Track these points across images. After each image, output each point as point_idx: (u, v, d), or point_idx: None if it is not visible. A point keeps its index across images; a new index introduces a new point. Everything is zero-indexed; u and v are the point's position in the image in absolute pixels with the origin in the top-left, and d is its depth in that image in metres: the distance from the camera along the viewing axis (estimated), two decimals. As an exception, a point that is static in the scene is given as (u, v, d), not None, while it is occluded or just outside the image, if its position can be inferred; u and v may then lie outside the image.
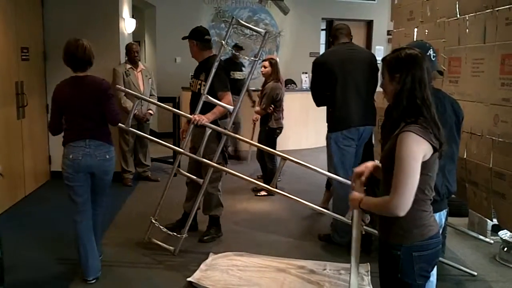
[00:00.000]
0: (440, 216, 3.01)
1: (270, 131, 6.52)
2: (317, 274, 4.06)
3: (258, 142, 6.42)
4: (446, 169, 3.02)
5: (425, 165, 2.15)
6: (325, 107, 4.80)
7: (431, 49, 3.09)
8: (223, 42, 4.37)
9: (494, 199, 3.63)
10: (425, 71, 2.19)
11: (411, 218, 2.21)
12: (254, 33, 5.57)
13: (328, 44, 4.85)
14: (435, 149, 2.16)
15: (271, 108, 6.39)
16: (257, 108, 6.60)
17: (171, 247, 4.47)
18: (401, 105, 2.18)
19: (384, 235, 2.36)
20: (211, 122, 4.44)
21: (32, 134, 6.27)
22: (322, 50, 12.11)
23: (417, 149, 2.10)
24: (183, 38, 4.76)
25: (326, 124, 4.75)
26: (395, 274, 2.28)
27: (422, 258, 2.25)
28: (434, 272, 3.15)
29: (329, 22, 12.03)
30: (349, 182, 4.07)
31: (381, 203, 2.23)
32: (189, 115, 4.46)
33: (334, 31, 4.85)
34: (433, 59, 3.08)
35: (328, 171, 4.56)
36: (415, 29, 5.07)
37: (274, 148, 6.50)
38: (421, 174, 2.14)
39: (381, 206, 2.22)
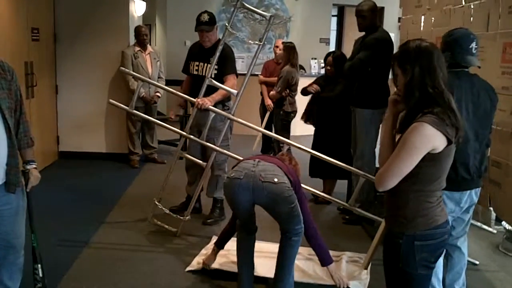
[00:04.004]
0: (471, 194, 3.03)
1: (285, 115, 6.54)
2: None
3: (273, 126, 6.47)
4: (480, 151, 2.99)
5: (437, 157, 2.13)
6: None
7: (474, 41, 2.96)
8: (227, 25, 4.37)
9: (491, 188, 3.63)
10: (435, 59, 2.17)
11: (415, 208, 2.20)
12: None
13: (367, 22, 4.86)
14: (449, 142, 2.11)
15: (286, 91, 6.41)
16: (272, 92, 6.62)
17: (174, 229, 4.52)
18: (413, 96, 2.16)
19: (389, 223, 2.36)
20: (218, 103, 4.54)
21: (41, 114, 6.34)
22: (332, 36, 12.01)
23: (424, 142, 2.08)
24: (208, 25, 4.64)
25: (358, 100, 4.87)
26: (396, 263, 2.25)
27: (425, 248, 2.21)
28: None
29: (340, 8, 11.94)
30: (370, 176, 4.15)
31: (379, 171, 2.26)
32: (193, 99, 4.46)
33: (375, 11, 4.93)
34: (474, 51, 2.96)
35: (363, 148, 4.83)
36: (422, 17, 5.06)
37: (289, 132, 6.54)
38: (431, 166, 2.14)
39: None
